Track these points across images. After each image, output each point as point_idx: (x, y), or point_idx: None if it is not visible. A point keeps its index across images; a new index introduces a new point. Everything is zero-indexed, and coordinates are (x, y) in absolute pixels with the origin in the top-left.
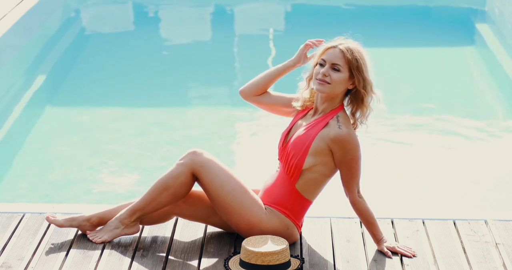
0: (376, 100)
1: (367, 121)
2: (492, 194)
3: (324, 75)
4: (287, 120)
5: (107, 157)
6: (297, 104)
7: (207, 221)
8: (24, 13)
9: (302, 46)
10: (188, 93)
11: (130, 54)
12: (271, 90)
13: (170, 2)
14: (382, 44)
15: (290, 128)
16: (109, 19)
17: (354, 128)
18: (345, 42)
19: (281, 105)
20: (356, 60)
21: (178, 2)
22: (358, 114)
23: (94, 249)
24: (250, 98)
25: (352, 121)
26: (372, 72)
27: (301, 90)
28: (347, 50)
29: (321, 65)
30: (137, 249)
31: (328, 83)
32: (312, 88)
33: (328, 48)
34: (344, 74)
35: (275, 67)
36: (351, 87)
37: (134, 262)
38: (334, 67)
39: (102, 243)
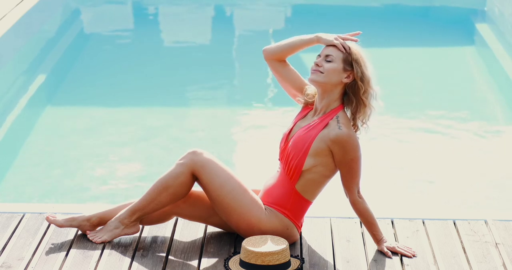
0: (374, 96)
1: (369, 121)
2: (492, 194)
3: (317, 65)
4: (287, 121)
5: (107, 156)
6: (300, 99)
7: (207, 221)
8: (24, 13)
9: (335, 40)
10: (188, 93)
11: (130, 54)
12: (295, 68)
13: (170, 2)
14: (382, 44)
15: (291, 129)
16: (109, 19)
17: (355, 131)
18: (343, 41)
19: (292, 85)
20: (353, 53)
21: (178, 2)
22: (359, 115)
23: (94, 249)
24: (270, 61)
25: (352, 123)
26: (371, 71)
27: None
28: (343, 45)
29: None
30: (137, 249)
31: (321, 72)
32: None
33: (327, 45)
34: (337, 65)
35: (300, 37)
36: (346, 81)
37: (134, 262)
38: (327, 59)
39: (102, 243)
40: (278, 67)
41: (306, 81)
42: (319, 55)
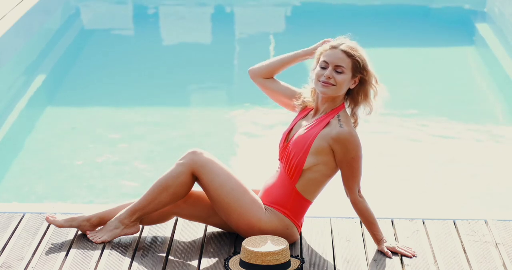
0: (380, 92)
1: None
2: (492, 194)
3: (328, 78)
4: (288, 120)
5: (106, 156)
6: (297, 102)
7: (207, 221)
8: (24, 13)
9: (320, 41)
10: (188, 93)
11: (130, 54)
12: (280, 79)
13: (170, 2)
14: (382, 44)
15: (291, 128)
16: (109, 19)
17: (355, 126)
18: (343, 41)
19: (283, 96)
20: (361, 59)
21: (178, 2)
22: (361, 110)
23: (94, 249)
24: (256, 79)
25: (353, 120)
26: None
27: (305, 89)
28: (349, 50)
29: (323, 68)
30: (137, 249)
31: (333, 85)
32: (312, 89)
33: (328, 50)
34: (347, 75)
35: (287, 54)
36: (353, 86)
37: (134, 262)
38: (338, 70)
39: (102, 243)
40: (267, 84)
41: (295, 88)
42: (325, 62)
